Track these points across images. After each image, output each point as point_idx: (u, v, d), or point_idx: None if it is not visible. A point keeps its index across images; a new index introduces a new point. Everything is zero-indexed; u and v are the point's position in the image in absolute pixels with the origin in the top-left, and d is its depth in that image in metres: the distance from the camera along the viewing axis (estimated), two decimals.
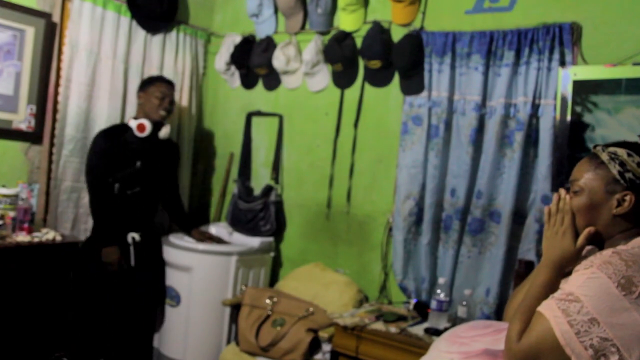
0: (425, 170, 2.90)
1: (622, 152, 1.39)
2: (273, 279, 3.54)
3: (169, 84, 3.21)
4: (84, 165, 3.16)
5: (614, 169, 1.38)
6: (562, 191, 1.47)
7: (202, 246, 3.24)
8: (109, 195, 3.03)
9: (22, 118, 2.98)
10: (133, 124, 3.07)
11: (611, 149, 1.41)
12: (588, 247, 1.48)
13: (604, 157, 1.41)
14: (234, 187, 3.71)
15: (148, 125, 3.05)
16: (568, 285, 1.29)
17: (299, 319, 2.86)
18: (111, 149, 3.02)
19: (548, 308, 1.27)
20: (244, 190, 3.63)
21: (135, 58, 3.43)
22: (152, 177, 3.20)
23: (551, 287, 1.36)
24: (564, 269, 1.39)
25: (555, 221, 1.45)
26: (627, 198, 1.36)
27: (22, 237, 2.67)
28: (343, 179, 3.31)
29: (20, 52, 2.95)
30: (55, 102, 3.10)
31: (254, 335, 2.87)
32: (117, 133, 3.09)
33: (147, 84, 3.16)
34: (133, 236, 3.12)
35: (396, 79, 3.09)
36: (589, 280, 1.24)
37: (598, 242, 1.45)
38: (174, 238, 3.33)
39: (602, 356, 1.18)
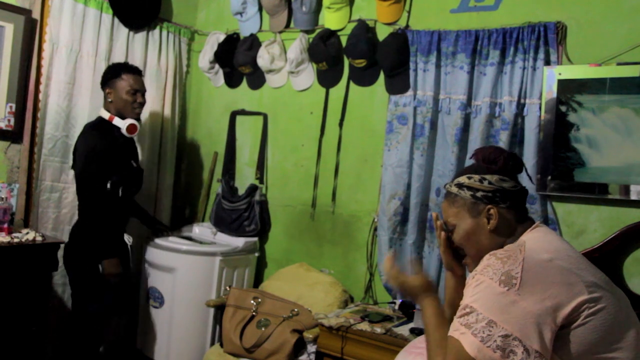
0: (410, 169, 2.89)
1: (463, 179, 1.55)
2: (257, 279, 3.51)
3: (138, 74, 2.98)
4: (64, 165, 3.12)
5: (466, 194, 1.53)
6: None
7: (185, 246, 3.20)
8: (111, 200, 2.83)
9: (1, 116, 2.92)
10: (121, 123, 2.88)
11: (455, 180, 1.58)
12: None
13: (454, 190, 1.57)
14: (218, 186, 3.68)
15: (138, 127, 2.94)
16: (463, 299, 1.35)
17: (284, 319, 2.84)
18: (108, 149, 2.82)
19: (453, 329, 1.32)
20: (228, 190, 3.60)
21: (118, 56, 3.38)
22: (139, 175, 3.14)
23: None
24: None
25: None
26: (492, 212, 1.50)
27: (1, 238, 2.62)
28: (328, 179, 3.29)
29: None
30: (36, 100, 3.04)
31: (238, 336, 2.84)
32: (106, 131, 2.87)
33: (114, 76, 2.91)
34: (128, 238, 3.05)
35: (381, 78, 3.08)
36: (476, 288, 1.31)
37: None
38: (158, 239, 3.28)
39: (510, 353, 1.21)
